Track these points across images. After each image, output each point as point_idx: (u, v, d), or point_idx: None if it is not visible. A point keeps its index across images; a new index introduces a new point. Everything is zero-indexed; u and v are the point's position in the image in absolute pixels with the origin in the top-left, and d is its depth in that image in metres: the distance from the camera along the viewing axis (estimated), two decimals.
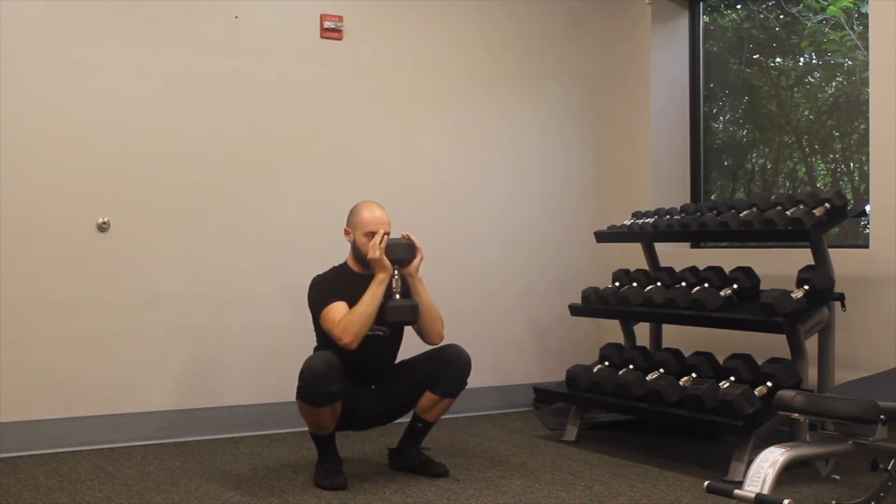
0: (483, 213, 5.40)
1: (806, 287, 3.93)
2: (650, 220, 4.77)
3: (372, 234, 3.74)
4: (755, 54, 5.57)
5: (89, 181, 4.42)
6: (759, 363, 4.00)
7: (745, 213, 4.26)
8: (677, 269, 4.57)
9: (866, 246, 4.47)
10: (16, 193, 4.27)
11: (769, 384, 3.83)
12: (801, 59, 5.35)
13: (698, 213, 4.55)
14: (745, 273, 4.26)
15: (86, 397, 4.39)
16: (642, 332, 4.94)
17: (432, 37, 5.27)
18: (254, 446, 4.44)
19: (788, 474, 3.33)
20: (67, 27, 4.39)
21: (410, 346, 3.93)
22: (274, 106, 4.83)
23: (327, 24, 4.94)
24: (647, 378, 4.22)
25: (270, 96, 4.82)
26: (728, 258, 4.82)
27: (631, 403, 4.23)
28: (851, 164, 5.07)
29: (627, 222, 4.92)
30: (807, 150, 5.32)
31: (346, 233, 3.87)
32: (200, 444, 4.47)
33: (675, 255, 5.22)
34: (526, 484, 3.73)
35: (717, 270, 4.36)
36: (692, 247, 5.49)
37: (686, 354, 4.35)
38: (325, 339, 3.74)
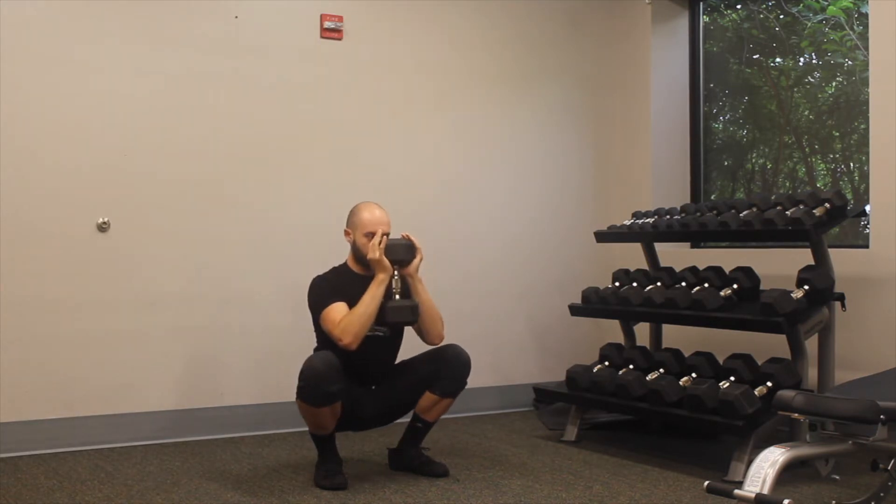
0: (483, 213, 5.40)
1: (806, 287, 3.93)
2: (650, 220, 4.77)
3: (372, 235, 3.74)
4: (755, 54, 5.57)
5: (89, 181, 4.42)
6: (759, 363, 4.00)
7: (745, 213, 4.26)
8: (677, 269, 4.57)
9: (866, 246, 4.47)
10: (16, 193, 4.27)
11: (769, 384, 3.83)
12: (801, 59, 5.35)
13: (698, 213, 4.55)
14: (745, 273, 4.26)
15: (86, 397, 4.39)
16: (642, 332, 4.94)
17: (432, 37, 5.27)
18: (254, 446, 4.43)
19: (788, 474, 3.33)
20: (67, 27, 4.39)
21: (410, 346, 3.93)
22: (274, 106, 4.83)
23: (327, 24, 4.94)
24: (647, 378, 4.22)
25: (270, 96, 4.82)
26: (728, 258, 4.82)
27: (631, 403, 4.23)
28: (851, 164, 5.07)
29: (627, 222, 4.92)
30: (807, 150, 5.32)
31: (346, 233, 3.87)
32: (200, 444, 4.47)
33: (675, 255, 5.22)
34: (526, 484, 3.73)
35: (717, 270, 4.36)
36: (692, 247, 5.49)
37: (686, 354, 4.34)
38: (325, 339, 3.74)
